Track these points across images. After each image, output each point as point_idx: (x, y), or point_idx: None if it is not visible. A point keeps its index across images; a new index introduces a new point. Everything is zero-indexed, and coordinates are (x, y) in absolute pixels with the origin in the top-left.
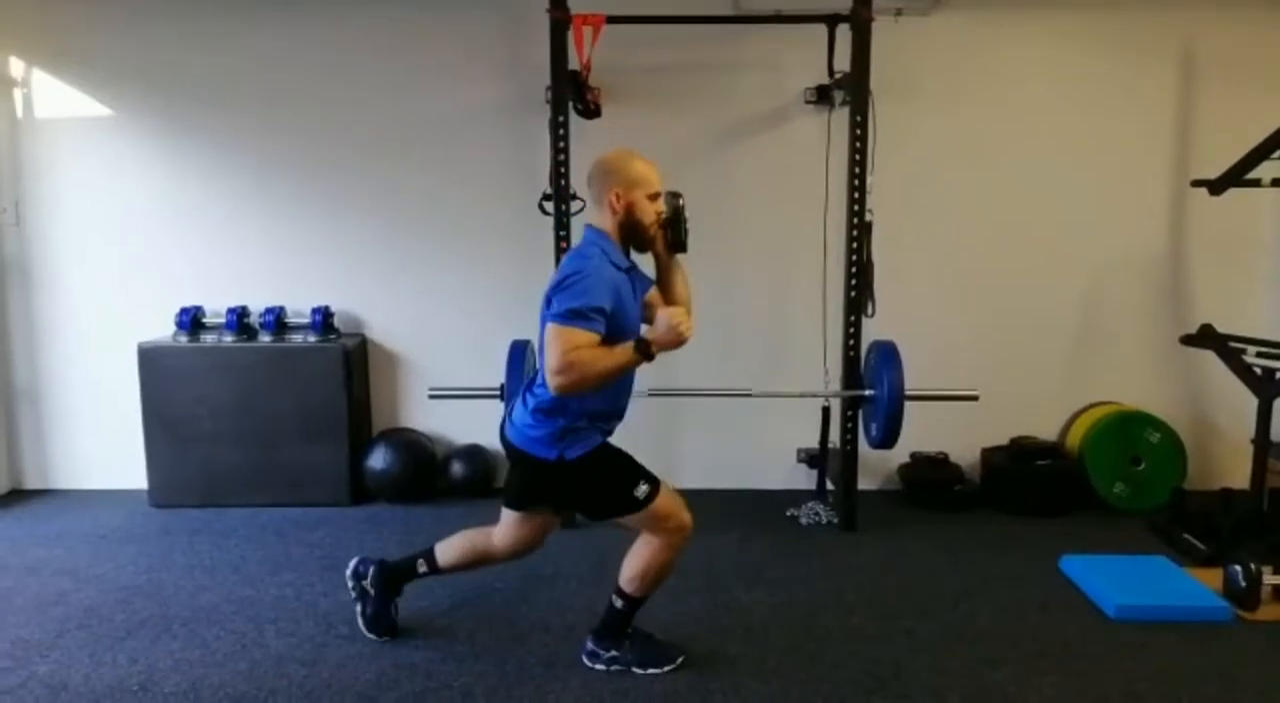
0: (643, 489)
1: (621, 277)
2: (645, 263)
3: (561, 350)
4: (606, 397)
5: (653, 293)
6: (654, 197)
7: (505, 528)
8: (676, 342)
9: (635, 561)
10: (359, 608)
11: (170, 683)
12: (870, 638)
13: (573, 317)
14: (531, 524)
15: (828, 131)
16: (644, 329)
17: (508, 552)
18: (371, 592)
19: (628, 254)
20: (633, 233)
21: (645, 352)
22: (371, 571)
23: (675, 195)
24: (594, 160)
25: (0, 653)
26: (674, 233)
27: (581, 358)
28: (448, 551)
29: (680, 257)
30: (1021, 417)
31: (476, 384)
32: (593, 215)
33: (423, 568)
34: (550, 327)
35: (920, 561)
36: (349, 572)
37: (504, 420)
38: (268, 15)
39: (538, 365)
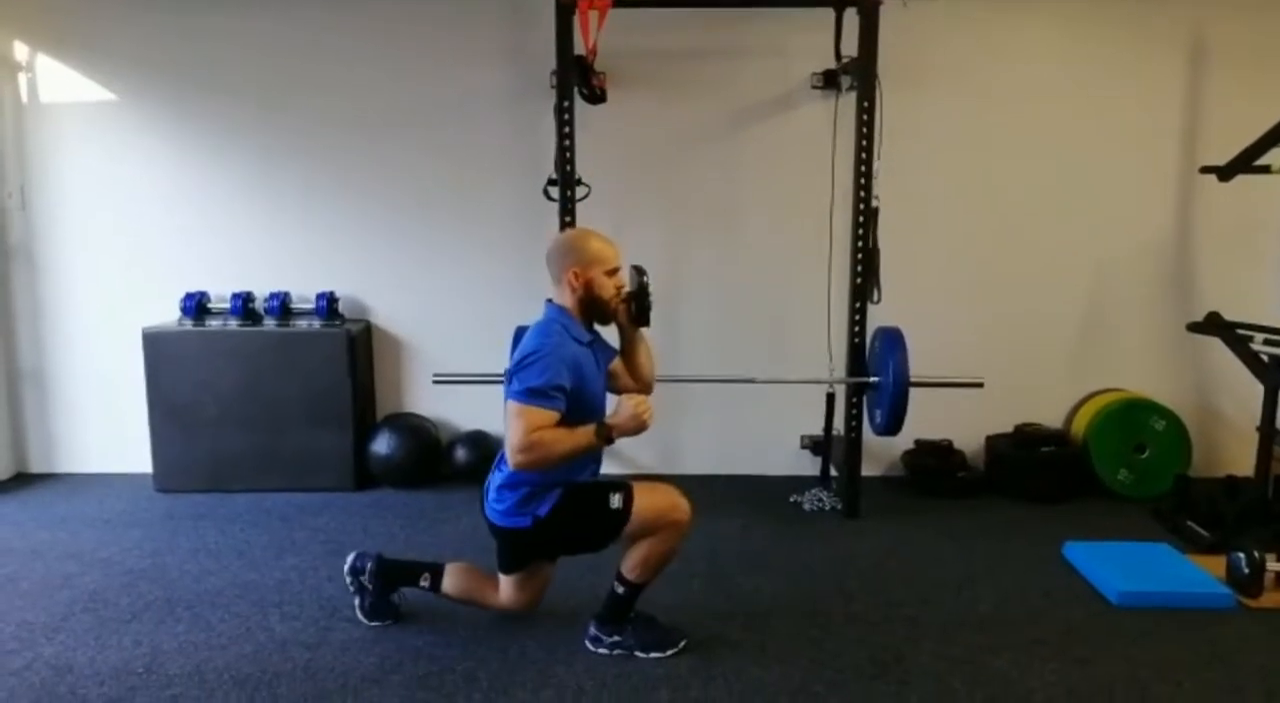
0: (616, 499)
1: (583, 351)
2: (610, 335)
3: (524, 430)
4: (568, 468)
5: (616, 363)
6: (612, 272)
7: (507, 591)
8: (637, 429)
9: (638, 548)
10: (356, 600)
11: (175, 666)
12: (873, 624)
13: (533, 396)
14: (532, 583)
15: (834, 117)
16: (609, 402)
17: (512, 608)
18: (369, 587)
19: (590, 328)
20: (593, 308)
21: (606, 437)
22: (369, 566)
23: (640, 271)
24: (552, 241)
25: (6, 636)
26: (638, 307)
27: (543, 439)
28: (454, 582)
29: (645, 331)
30: (1026, 404)
31: (481, 370)
32: (553, 292)
33: (424, 583)
34: (511, 405)
35: (923, 547)
36: (346, 568)
37: (481, 498)
38: (271, 2)
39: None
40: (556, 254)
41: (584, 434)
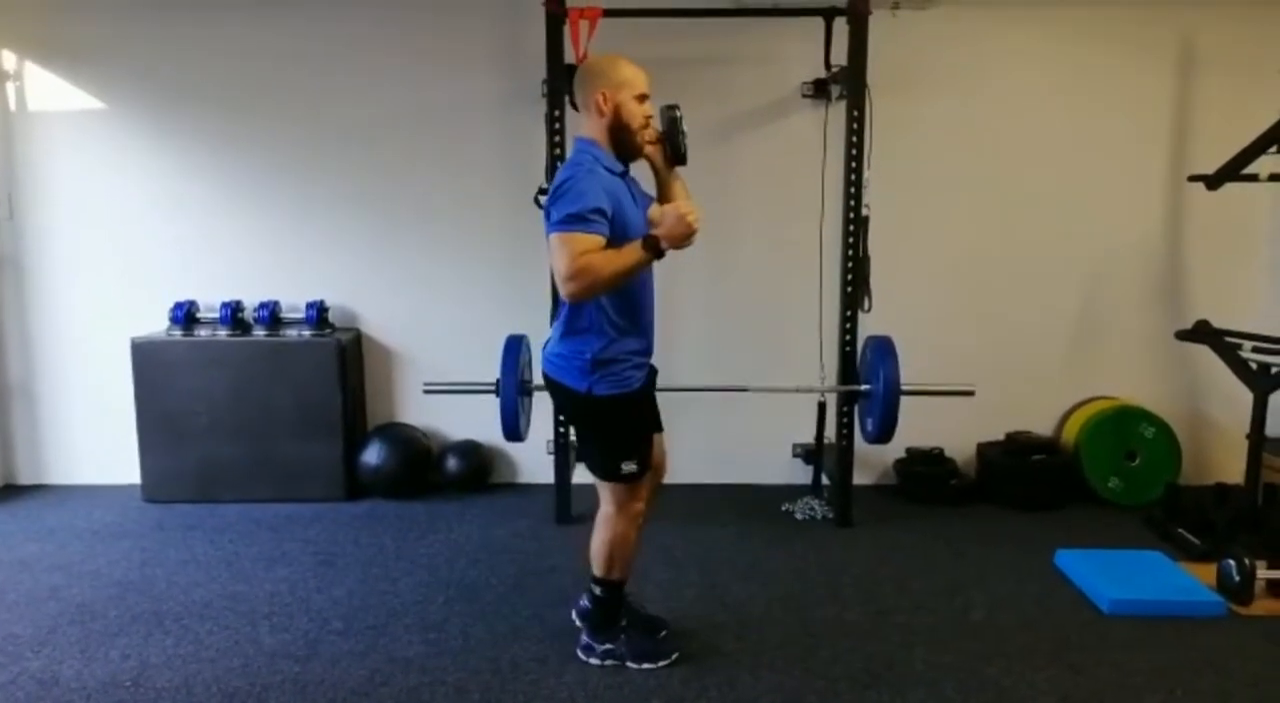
0: (629, 467)
1: (617, 181)
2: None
3: (570, 256)
4: (626, 308)
5: (654, 210)
6: (641, 98)
7: (622, 492)
8: (686, 233)
9: (595, 544)
10: (632, 665)
11: (163, 679)
12: (865, 632)
13: (574, 222)
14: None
15: (824, 125)
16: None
17: (639, 510)
18: (622, 650)
19: (622, 161)
20: (621, 137)
21: (654, 248)
22: (600, 644)
23: (671, 107)
24: (579, 68)
25: None
26: (672, 144)
27: (591, 262)
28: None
29: (680, 171)
30: (1017, 412)
31: (472, 379)
32: (580, 124)
33: (599, 590)
34: (553, 237)
35: (915, 555)
36: (588, 658)
37: (543, 349)
38: (261, 9)
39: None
40: (585, 78)
41: (631, 251)
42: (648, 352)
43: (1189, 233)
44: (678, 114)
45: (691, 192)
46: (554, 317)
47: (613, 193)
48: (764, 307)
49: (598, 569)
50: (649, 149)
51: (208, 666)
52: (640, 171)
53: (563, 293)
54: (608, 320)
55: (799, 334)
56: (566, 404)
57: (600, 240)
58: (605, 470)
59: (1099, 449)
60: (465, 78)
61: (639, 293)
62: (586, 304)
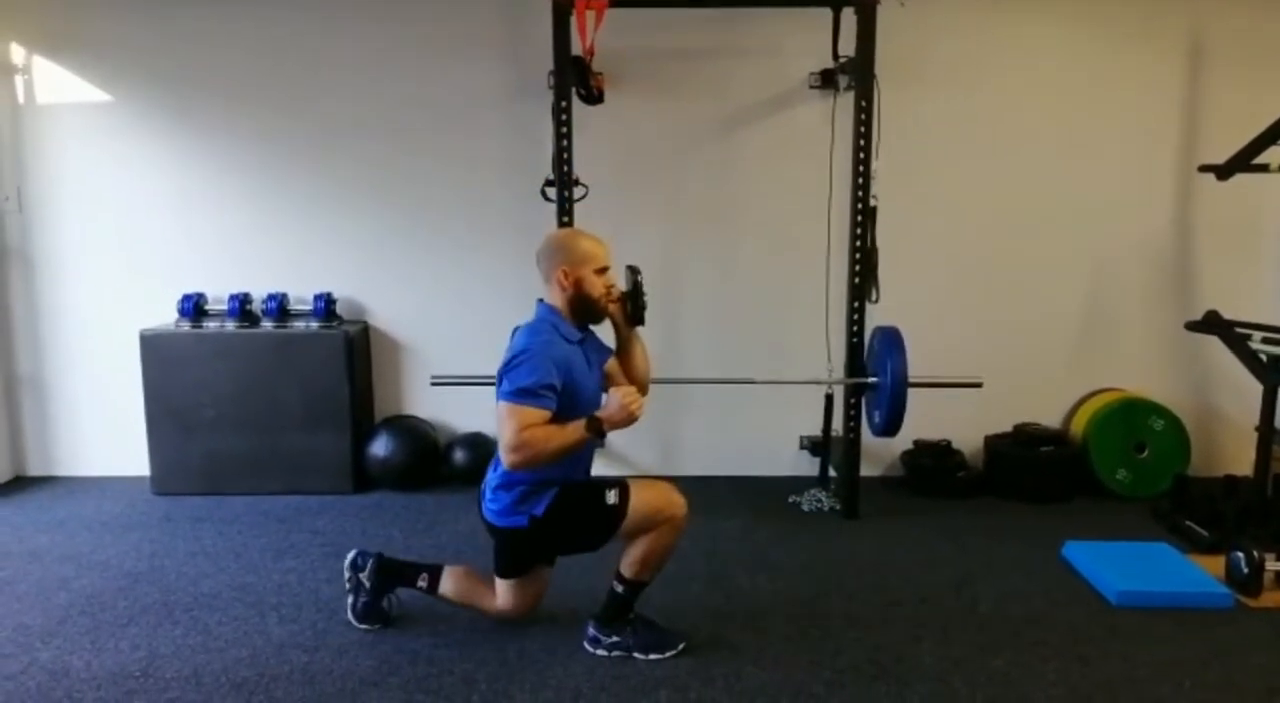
0: (612, 495)
1: (574, 350)
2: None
3: (515, 429)
4: (561, 467)
5: (612, 363)
6: (601, 271)
7: (503, 594)
8: (627, 420)
9: (635, 546)
10: (350, 599)
11: (172, 669)
12: (872, 624)
13: (523, 395)
14: (527, 588)
15: (832, 116)
16: (606, 395)
17: (507, 614)
18: (366, 584)
19: (581, 327)
20: (583, 307)
21: (596, 429)
22: (370, 564)
23: (634, 270)
24: (542, 240)
25: (2, 639)
26: (633, 307)
27: (535, 436)
28: (452, 585)
29: (640, 330)
30: (1025, 403)
31: (479, 371)
32: (544, 292)
33: (422, 583)
34: (502, 405)
35: (922, 547)
36: (347, 562)
37: (479, 499)
38: (269, 2)
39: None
40: (546, 254)
41: (574, 429)
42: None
43: (1199, 224)
44: (640, 279)
45: (698, 184)
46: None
47: (565, 363)
48: (771, 298)
49: (629, 571)
50: (611, 308)
51: (216, 656)
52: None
53: (504, 462)
54: (543, 475)
55: (806, 326)
56: (517, 544)
57: (546, 414)
58: (606, 523)
59: (1107, 441)
60: (472, 70)
61: (574, 460)
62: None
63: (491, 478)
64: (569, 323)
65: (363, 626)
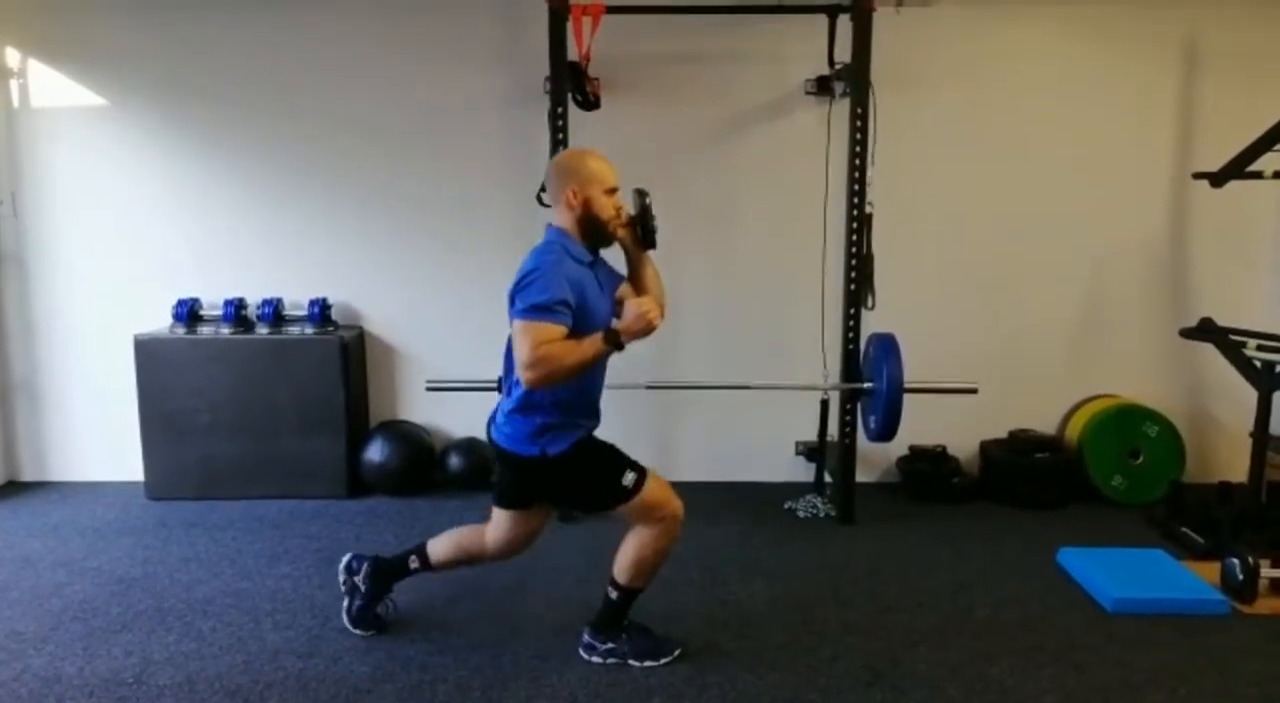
0: (630, 478)
1: (584, 271)
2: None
3: (531, 345)
4: (577, 390)
5: (624, 288)
6: (610, 191)
7: (496, 527)
8: (645, 330)
9: (628, 551)
10: (345, 603)
11: (165, 676)
12: (868, 631)
13: (537, 312)
14: (522, 523)
15: (828, 122)
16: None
17: (499, 551)
18: (362, 588)
19: (591, 250)
20: (592, 228)
21: (614, 341)
22: (365, 567)
23: (642, 193)
24: (551, 162)
25: None
26: (643, 229)
27: (551, 351)
28: (439, 547)
29: (650, 253)
30: (1020, 409)
31: (474, 377)
32: (553, 214)
33: (414, 564)
34: (516, 323)
35: (918, 553)
36: (341, 566)
37: (489, 421)
38: (264, 6)
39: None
40: (555, 174)
41: (591, 343)
42: (594, 425)
43: (1193, 230)
44: (648, 201)
45: (694, 189)
46: (502, 388)
47: (577, 284)
48: (767, 304)
49: (623, 577)
50: (621, 233)
51: (210, 663)
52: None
53: (521, 380)
54: (558, 401)
55: (802, 332)
56: (523, 474)
57: (562, 330)
58: (613, 498)
59: (1102, 447)
60: (468, 75)
61: (592, 376)
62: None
63: (505, 403)
64: (579, 244)
65: (357, 631)
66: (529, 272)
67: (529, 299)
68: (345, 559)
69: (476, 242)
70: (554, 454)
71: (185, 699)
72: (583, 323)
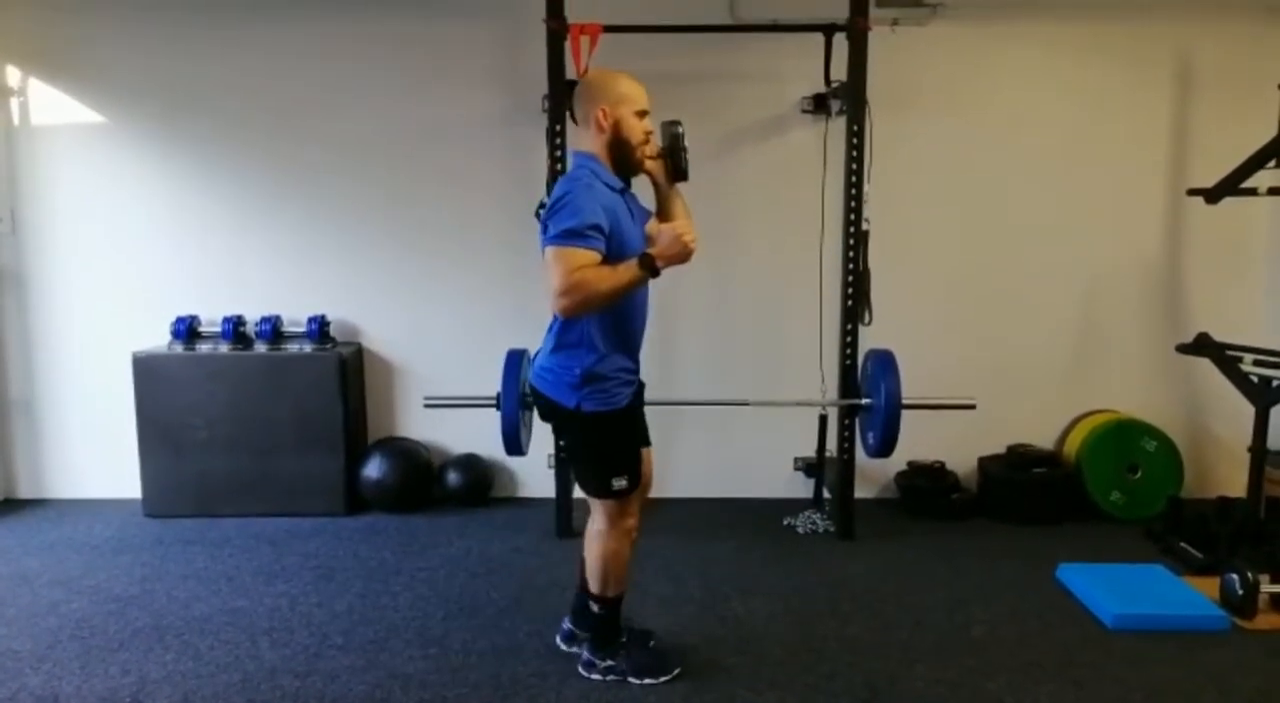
0: (620, 483)
1: (616, 197)
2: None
3: (564, 271)
4: (617, 327)
5: (652, 224)
6: (641, 114)
7: (611, 507)
8: (681, 254)
9: (589, 560)
10: (632, 680)
11: (162, 695)
12: (867, 647)
13: (570, 237)
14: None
15: (824, 141)
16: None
17: (631, 526)
18: (617, 664)
19: (621, 176)
20: (621, 152)
21: (650, 267)
22: (599, 658)
23: (673, 123)
24: (579, 83)
25: None
26: (674, 160)
27: (585, 277)
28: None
29: (681, 186)
30: (1018, 425)
31: (472, 393)
32: (580, 139)
33: (596, 607)
34: (549, 250)
35: (917, 569)
36: (587, 671)
37: (531, 369)
38: (264, 25)
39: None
40: (584, 94)
41: (626, 268)
42: (636, 370)
43: (1189, 247)
44: (680, 130)
45: (691, 206)
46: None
47: (611, 209)
48: (765, 320)
49: (594, 586)
50: (650, 164)
51: (207, 681)
52: (641, 186)
53: (555, 308)
54: (599, 336)
55: (800, 348)
56: (555, 419)
57: (596, 256)
58: (596, 487)
59: (1101, 463)
60: (467, 94)
61: (631, 310)
62: (578, 319)
63: (547, 341)
64: (609, 170)
65: (663, 678)
66: (560, 195)
67: (561, 224)
68: (583, 668)
69: (475, 259)
70: (587, 412)
71: None
72: (617, 249)
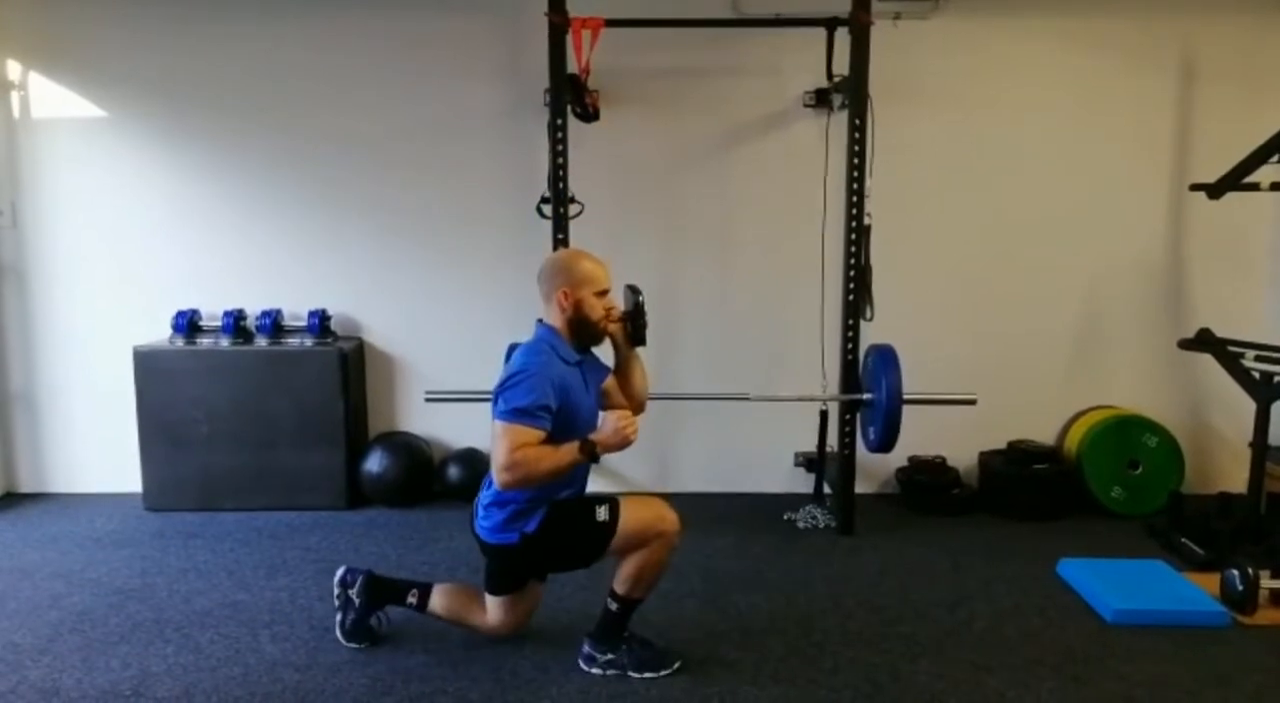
0: (602, 512)
1: (571, 371)
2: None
3: (507, 448)
4: (555, 486)
5: (610, 381)
6: (601, 293)
7: (495, 612)
8: (621, 444)
9: (628, 563)
10: (339, 616)
11: (163, 688)
12: (868, 642)
13: (519, 415)
14: (518, 605)
15: (826, 135)
16: (601, 417)
17: (497, 631)
18: (355, 601)
19: (580, 349)
20: (582, 329)
21: (590, 453)
22: (359, 581)
23: (635, 290)
24: (544, 261)
25: None
26: (634, 327)
27: (527, 456)
28: (441, 601)
29: (641, 350)
30: (1019, 420)
31: (473, 387)
32: (543, 312)
33: (412, 600)
34: (497, 425)
35: (918, 565)
36: (336, 579)
37: (471, 516)
38: (266, 18)
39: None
40: (547, 274)
41: (568, 451)
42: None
43: (1191, 242)
44: (641, 299)
45: (694, 202)
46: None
47: (562, 386)
48: (766, 315)
49: (622, 588)
50: (612, 328)
51: (208, 674)
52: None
53: (496, 482)
54: (534, 496)
55: (801, 343)
56: (509, 561)
57: (540, 434)
58: (597, 541)
59: (1101, 458)
60: (469, 88)
61: (568, 478)
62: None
63: (484, 496)
64: (568, 344)
65: (351, 644)
66: (515, 373)
67: (511, 402)
68: (340, 572)
69: (476, 253)
70: (531, 532)
71: None
72: (566, 421)
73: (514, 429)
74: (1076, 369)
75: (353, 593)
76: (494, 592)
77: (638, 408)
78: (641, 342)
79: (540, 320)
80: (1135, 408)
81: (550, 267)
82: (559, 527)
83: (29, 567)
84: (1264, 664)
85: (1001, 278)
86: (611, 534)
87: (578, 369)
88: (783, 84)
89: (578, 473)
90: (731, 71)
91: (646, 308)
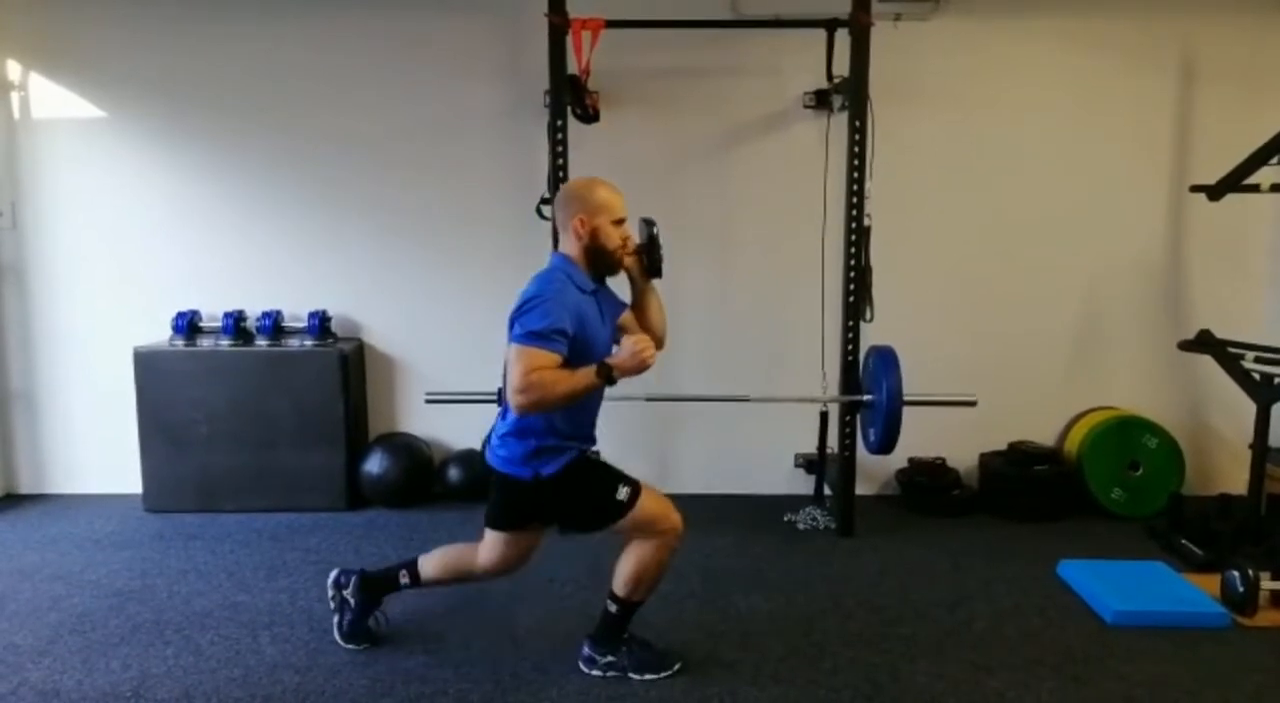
0: (624, 492)
1: (586, 299)
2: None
3: (523, 371)
4: (570, 417)
5: (627, 316)
6: (618, 222)
7: (488, 547)
8: (638, 368)
9: (628, 564)
10: (336, 618)
11: (163, 690)
12: (868, 643)
13: (534, 338)
14: (515, 544)
15: (826, 136)
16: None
17: (491, 571)
18: (351, 602)
19: (595, 278)
20: (598, 258)
21: (606, 375)
22: (353, 581)
23: (649, 222)
24: (561, 188)
25: None
26: (649, 259)
27: (543, 379)
28: (430, 564)
29: (656, 282)
30: (1019, 422)
31: (473, 389)
32: (560, 241)
33: (404, 580)
34: (512, 347)
35: (918, 566)
36: (329, 581)
37: (484, 442)
38: (265, 18)
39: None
40: (564, 201)
41: (584, 374)
42: (591, 443)
43: (1191, 243)
44: (655, 230)
45: (694, 202)
46: (499, 405)
47: (578, 313)
48: (766, 316)
49: (622, 590)
50: (627, 261)
51: (208, 676)
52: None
53: (511, 404)
54: (552, 425)
55: (801, 344)
56: (517, 496)
57: (556, 359)
58: (609, 515)
59: (1102, 460)
60: (468, 89)
61: (586, 403)
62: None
63: (500, 425)
64: (583, 272)
65: (350, 645)
66: (530, 297)
67: (527, 325)
68: (333, 574)
69: (476, 254)
70: (547, 476)
71: None
72: (582, 352)
73: (529, 352)
74: (1076, 370)
75: (347, 594)
76: (493, 526)
77: (657, 342)
78: (658, 273)
79: (555, 251)
80: (1136, 409)
81: (566, 194)
82: (576, 484)
83: (29, 568)
84: (1264, 665)
85: (1001, 278)
86: (623, 516)
87: (593, 298)
88: (783, 85)
89: (591, 407)
90: (731, 72)
91: (661, 239)
